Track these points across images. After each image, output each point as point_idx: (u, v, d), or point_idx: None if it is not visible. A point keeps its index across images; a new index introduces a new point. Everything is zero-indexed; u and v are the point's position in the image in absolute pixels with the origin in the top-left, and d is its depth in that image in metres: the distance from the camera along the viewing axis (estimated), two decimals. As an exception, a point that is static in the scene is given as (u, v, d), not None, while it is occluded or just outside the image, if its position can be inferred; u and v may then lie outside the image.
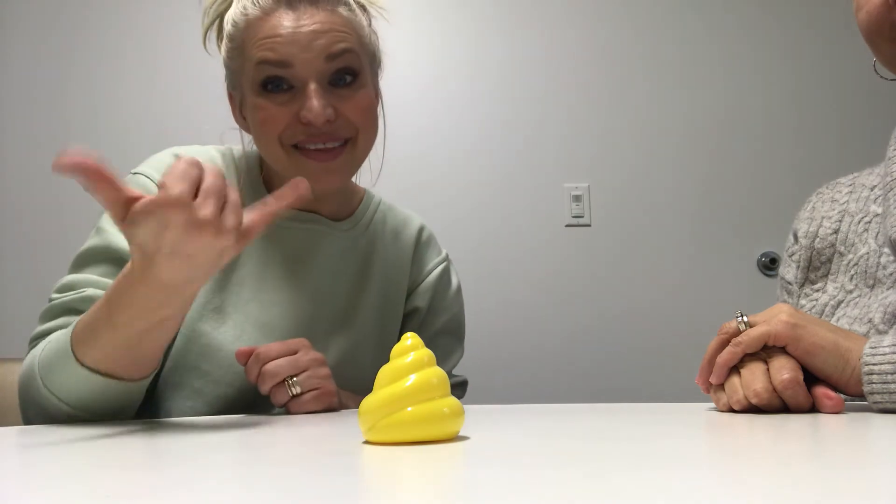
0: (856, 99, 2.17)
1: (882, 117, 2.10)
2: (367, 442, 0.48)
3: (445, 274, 1.05)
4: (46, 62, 2.13)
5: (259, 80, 0.83)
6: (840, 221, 0.82)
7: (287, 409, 0.79)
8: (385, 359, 0.97)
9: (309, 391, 0.78)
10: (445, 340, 1.04)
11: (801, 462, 0.37)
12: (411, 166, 2.14)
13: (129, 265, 0.64)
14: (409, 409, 0.46)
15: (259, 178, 0.93)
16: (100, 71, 2.13)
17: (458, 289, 1.07)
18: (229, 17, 0.86)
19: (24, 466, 0.44)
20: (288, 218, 0.91)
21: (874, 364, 0.54)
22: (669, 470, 0.35)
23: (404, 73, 2.17)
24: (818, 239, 0.82)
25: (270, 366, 0.77)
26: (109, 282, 0.80)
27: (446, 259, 1.06)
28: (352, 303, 0.95)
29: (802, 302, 0.81)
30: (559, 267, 2.14)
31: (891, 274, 0.73)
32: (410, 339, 0.50)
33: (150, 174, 0.86)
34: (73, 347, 0.68)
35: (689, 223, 2.16)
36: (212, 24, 0.90)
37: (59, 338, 0.72)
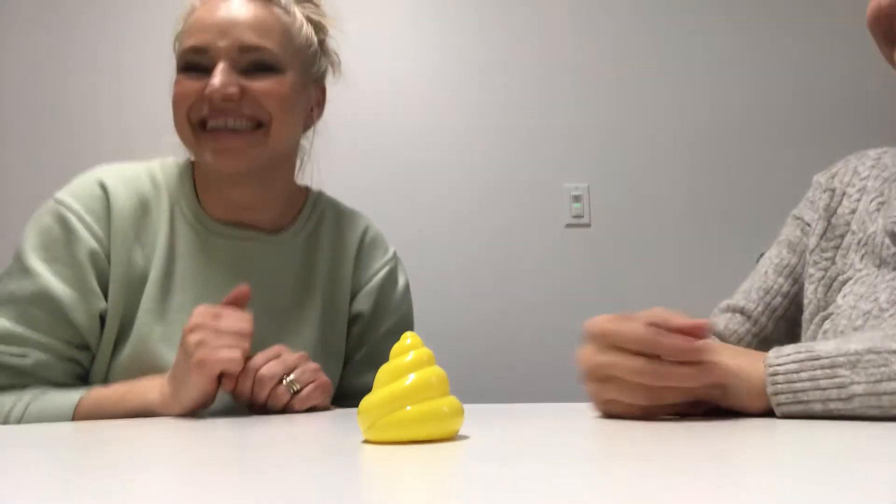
0: (857, 97, 2.17)
1: (884, 115, 2.11)
2: (366, 441, 0.48)
3: (391, 275, 1.02)
4: (45, 60, 2.13)
5: (181, 65, 0.87)
6: (858, 201, 0.82)
7: (290, 409, 0.79)
8: (335, 366, 0.95)
9: (307, 384, 0.78)
10: (392, 343, 1.03)
11: (799, 462, 0.37)
12: (411, 166, 2.14)
13: (146, 388, 0.80)
14: (409, 408, 0.46)
15: (192, 189, 0.92)
16: (98, 68, 2.13)
17: (406, 288, 1.05)
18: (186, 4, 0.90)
19: (24, 466, 0.44)
20: (223, 235, 0.91)
21: (778, 364, 0.54)
22: (669, 470, 0.35)
23: (404, 73, 2.18)
24: (836, 216, 0.83)
25: (264, 370, 0.77)
26: (50, 342, 0.82)
27: (393, 258, 1.04)
28: (295, 315, 0.94)
29: (811, 271, 0.82)
30: (559, 267, 2.14)
31: (895, 254, 0.74)
32: (410, 338, 0.50)
33: (70, 205, 0.85)
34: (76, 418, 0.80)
35: (689, 223, 2.16)
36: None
37: (50, 412, 0.80)
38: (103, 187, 0.87)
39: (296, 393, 0.78)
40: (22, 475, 0.40)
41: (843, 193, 0.84)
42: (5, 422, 0.79)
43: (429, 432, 0.47)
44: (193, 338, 0.74)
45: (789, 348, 0.55)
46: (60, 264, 0.83)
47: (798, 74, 2.21)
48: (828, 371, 0.52)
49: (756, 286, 0.87)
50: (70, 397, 0.80)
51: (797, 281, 0.85)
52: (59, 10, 2.15)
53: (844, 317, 0.75)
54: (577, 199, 2.15)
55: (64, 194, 0.87)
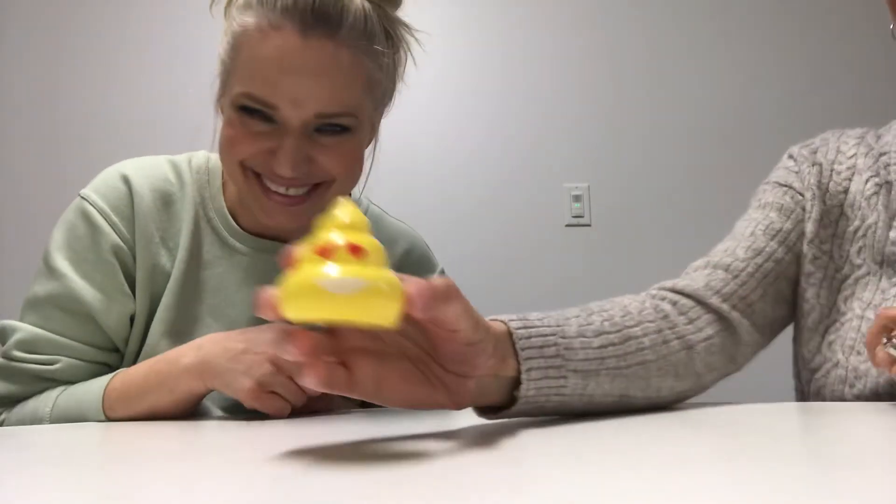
0: (860, 97, 2.17)
1: (884, 113, 2.11)
2: (288, 321, 0.40)
3: None
4: (44, 61, 2.13)
5: (238, 104, 0.74)
6: (850, 181, 0.77)
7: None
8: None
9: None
10: None
11: (801, 462, 0.37)
12: (411, 167, 2.14)
13: (178, 354, 0.72)
14: (330, 266, 0.37)
15: (220, 189, 0.87)
16: (96, 69, 2.13)
17: None
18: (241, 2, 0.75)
19: (24, 466, 0.44)
20: (245, 244, 0.86)
21: None
22: (668, 470, 0.35)
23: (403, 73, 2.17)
24: (829, 195, 0.77)
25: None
26: (78, 346, 0.79)
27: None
28: None
29: (810, 268, 0.76)
30: (559, 267, 2.14)
31: None
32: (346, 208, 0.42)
33: (95, 201, 0.81)
34: (105, 409, 0.74)
35: (690, 223, 2.16)
36: None
37: (80, 398, 0.75)
38: (127, 182, 0.83)
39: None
40: (22, 476, 0.40)
41: (832, 170, 0.78)
42: (33, 419, 0.75)
43: (361, 304, 0.38)
44: (265, 368, 0.68)
45: None
46: (88, 264, 0.80)
47: (798, 74, 2.21)
48: None
49: (742, 245, 0.78)
50: (100, 379, 0.76)
51: (790, 250, 0.77)
52: (66, 11, 2.15)
53: (853, 329, 0.71)
54: (577, 199, 2.16)
55: (88, 190, 0.83)
